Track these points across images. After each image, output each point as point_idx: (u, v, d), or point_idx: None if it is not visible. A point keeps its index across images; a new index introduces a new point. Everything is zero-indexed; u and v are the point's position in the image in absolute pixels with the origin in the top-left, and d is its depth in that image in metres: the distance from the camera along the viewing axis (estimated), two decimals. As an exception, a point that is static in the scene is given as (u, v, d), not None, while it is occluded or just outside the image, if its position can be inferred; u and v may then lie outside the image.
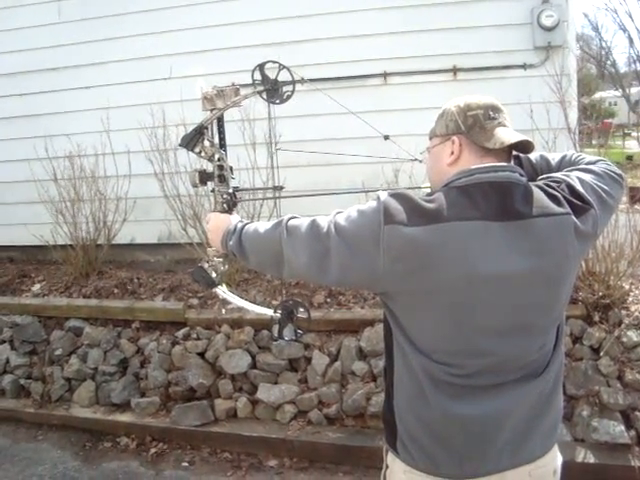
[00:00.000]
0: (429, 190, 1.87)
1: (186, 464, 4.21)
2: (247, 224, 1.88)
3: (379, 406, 4.08)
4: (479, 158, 1.65)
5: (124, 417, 4.65)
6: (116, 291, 5.39)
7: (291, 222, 1.73)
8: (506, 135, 1.64)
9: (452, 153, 1.67)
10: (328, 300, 4.78)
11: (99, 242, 5.77)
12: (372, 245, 1.53)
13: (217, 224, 2.00)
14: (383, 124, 5.56)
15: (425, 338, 1.60)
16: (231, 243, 1.87)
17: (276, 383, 4.44)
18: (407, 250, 1.51)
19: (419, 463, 1.67)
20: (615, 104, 28.20)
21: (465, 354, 1.58)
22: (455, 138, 1.67)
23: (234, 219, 1.97)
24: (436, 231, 1.50)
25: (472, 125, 1.66)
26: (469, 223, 1.52)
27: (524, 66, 5.47)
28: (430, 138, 1.81)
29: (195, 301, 5.03)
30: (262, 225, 1.81)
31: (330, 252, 1.59)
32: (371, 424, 4.16)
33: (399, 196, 1.58)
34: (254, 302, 4.86)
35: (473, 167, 1.63)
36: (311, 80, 5.98)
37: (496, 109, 1.71)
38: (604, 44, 25.53)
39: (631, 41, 21.66)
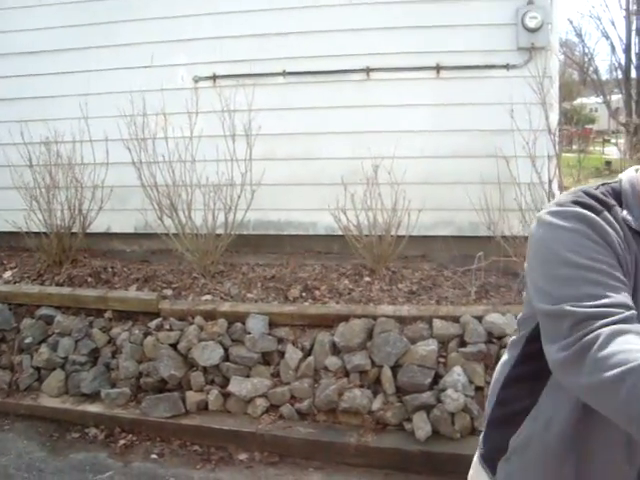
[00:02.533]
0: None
1: (155, 456, 4.16)
2: None
3: (351, 402, 4.07)
4: None
5: (93, 408, 4.57)
6: (90, 280, 5.31)
7: None
8: None
9: None
10: (303, 294, 4.75)
11: (74, 230, 5.67)
12: None
13: None
14: (365, 120, 5.67)
15: None
16: None
17: (248, 376, 4.39)
18: None
19: None
20: (596, 110, 28.49)
21: None
22: None
23: None
24: None
25: None
26: None
27: (507, 66, 5.47)
28: None
29: (169, 292, 4.98)
30: None
31: None
32: (342, 420, 4.14)
33: None
34: (228, 294, 4.85)
35: None
36: (294, 73, 6.04)
37: None
38: (587, 50, 25.73)
39: (613, 49, 21.89)
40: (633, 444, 1.22)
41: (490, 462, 1.49)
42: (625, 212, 1.23)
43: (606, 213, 1.22)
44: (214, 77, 5.92)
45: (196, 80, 5.95)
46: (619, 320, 1.06)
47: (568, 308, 1.10)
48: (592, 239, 1.17)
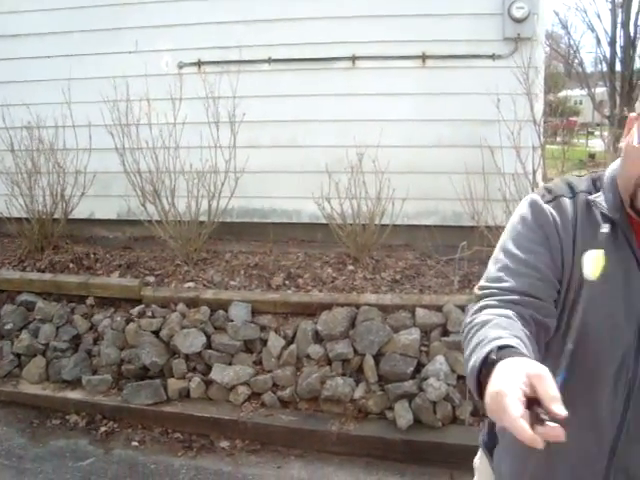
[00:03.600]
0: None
1: (136, 443, 4.15)
2: None
3: (333, 390, 4.07)
4: None
5: (74, 394, 4.55)
6: (71, 266, 5.27)
7: None
8: None
9: None
10: (286, 282, 4.74)
11: (56, 216, 5.63)
12: None
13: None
14: (350, 108, 5.65)
15: None
16: None
17: (230, 364, 4.39)
18: None
19: None
20: (580, 103, 28.63)
21: None
22: None
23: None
24: None
25: None
26: None
27: (493, 56, 5.47)
28: None
29: (152, 279, 4.95)
30: None
31: None
32: (324, 408, 4.14)
33: None
34: (211, 282, 4.83)
35: None
36: (279, 60, 6.00)
37: None
38: (572, 43, 25.81)
39: (598, 41, 21.96)
40: (601, 427, 1.26)
41: (489, 448, 1.52)
42: (600, 197, 1.27)
43: (564, 199, 1.30)
44: (199, 63, 5.87)
45: (180, 66, 5.90)
46: (501, 301, 1.22)
47: (479, 285, 1.31)
48: (528, 225, 1.29)
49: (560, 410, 0.91)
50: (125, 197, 5.50)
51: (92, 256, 5.43)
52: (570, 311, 1.27)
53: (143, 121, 5.16)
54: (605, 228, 1.20)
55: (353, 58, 5.67)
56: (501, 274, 1.27)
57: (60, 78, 5.66)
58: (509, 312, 1.18)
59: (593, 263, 1.12)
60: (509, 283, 1.25)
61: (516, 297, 1.22)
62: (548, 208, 1.29)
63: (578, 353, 1.10)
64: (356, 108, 5.59)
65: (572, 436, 1.01)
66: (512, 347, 1.06)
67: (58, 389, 4.62)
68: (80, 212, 5.77)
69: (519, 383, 0.93)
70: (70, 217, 5.70)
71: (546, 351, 1.24)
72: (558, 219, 1.28)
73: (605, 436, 1.29)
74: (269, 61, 5.80)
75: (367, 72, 5.68)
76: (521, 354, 1.03)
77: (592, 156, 13.87)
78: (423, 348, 4.15)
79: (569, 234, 1.27)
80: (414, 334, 4.14)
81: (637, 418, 1.26)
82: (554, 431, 0.91)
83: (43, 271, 5.24)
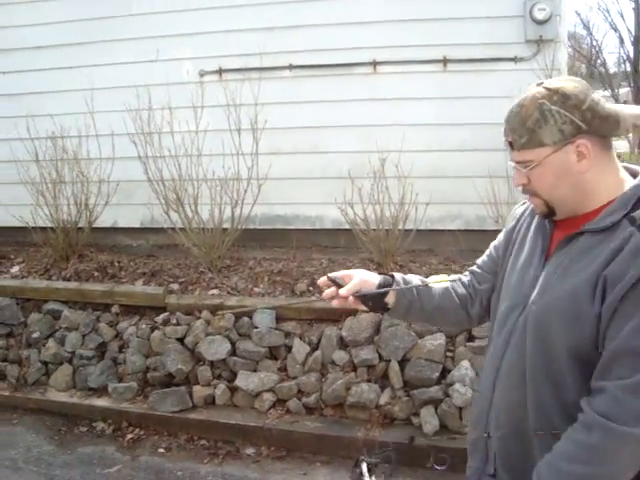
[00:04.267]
0: (447, 282, 1.78)
1: (162, 450, 4.17)
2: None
3: (358, 396, 4.06)
4: (606, 150, 1.45)
5: (101, 402, 4.60)
6: (96, 274, 5.31)
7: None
8: (625, 109, 1.46)
9: (584, 159, 1.41)
10: (310, 288, 4.73)
11: (80, 225, 5.67)
12: None
13: None
14: (372, 113, 5.63)
15: None
16: None
17: (255, 371, 4.39)
18: None
19: None
20: (604, 104, 28.28)
21: None
22: (581, 142, 1.40)
23: None
24: None
25: (591, 119, 1.39)
26: None
27: (515, 59, 5.43)
28: (524, 148, 1.45)
29: (176, 286, 4.97)
30: (578, 465, 1.32)
31: None
32: (350, 414, 4.14)
33: None
34: (235, 288, 4.84)
35: None
36: (300, 67, 6.00)
37: (587, 85, 1.45)
38: (595, 43, 25.57)
39: (622, 41, 21.66)
40: (493, 362, 1.59)
41: None
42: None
43: (525, 202, 1.73)
44: (220, 71, 5.89)
45: (202, 74, 5.93)
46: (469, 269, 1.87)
47: None
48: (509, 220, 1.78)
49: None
50: (148, 205, 5.53)
51: (116, 264, 5.47)
52: (500, 279, 1.70)
53: (165, 129, 5.19)
54: (533, 224, 1.64)
55: (374, 63, 5.66)
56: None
57: (83, 88, 5.72)
58: (461, 275, 1.86)
59: (438, 279, 1.76)
60: (479, 259, 1.85)
61: (474, 267, 1.85)
62: (518, 207, 1.77)
63: (493, 304, 1.70)
64: (377, 113, 5.58)
65: (486, 362, 1.64)
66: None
67: (85, 397, 4.67)
68: (104, 221, 5.82)
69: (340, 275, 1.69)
70: (94, 226, 5.74)
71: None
72: (519, 215, 1.72)
73: (493, 372, 1.58)
74: (290, 67, 5.80)
75: (388, 77, 5.67)
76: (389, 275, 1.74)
77: (618, 157, 13.71)
78: (448, 354, 4.13)
79: (514, 225, 1.72)
80: (439, 339, 4.11)
81: (507, 367, 1.53)
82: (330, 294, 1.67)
83: (68, 280, 5.28)
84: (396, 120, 5.46)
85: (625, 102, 24.41)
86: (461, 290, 1.80)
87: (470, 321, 1.83)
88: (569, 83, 1.42)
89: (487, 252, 1.83)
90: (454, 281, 1.81)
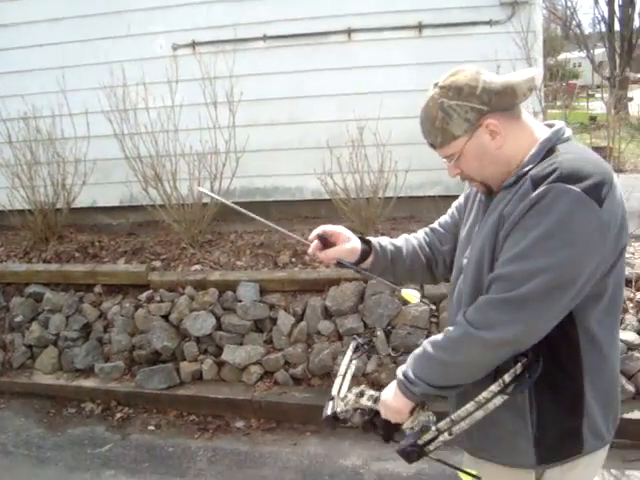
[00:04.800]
0: (417, 298, 1.95)
1: (152, 428, 4.18)
2: (407, 370, 1.58)
3: (345, 365, 4.07)
4: (515, 120, 1.55)
5: (88, 383, 4.59)
6: (77, 255, 5.27)
7: (480, 318, 1.47)
8: (517, 76, 1.53)
9: (496, 135, 1.53)
10: (293, 260, 4.73)
11: (58, 206, 5.61)
12: (600, 237, 1.42)
13: (394, 403, 1.62)
14: (348, 82, 5.59)
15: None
16: (418, 391, 1.55)
17: (241, 344, 4.40)
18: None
19: (592, 444, 1.60)
20: (579, 65, 28.35)
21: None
22: (488, 122, 1.51)
23: (394, 391, 1.61)
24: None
25: (489, 99, 1.50)
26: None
27: (490, 22, 5.40)
28: (443, 145, 1.58)
29: (158, 263, 4.94)
30: (432, 354, 1.54)
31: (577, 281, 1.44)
32: (338, 383, 4.15)
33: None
34: (218, 263, 4.83)
35: (556, 127, 1.57)
36: (274, 37, 5.93)
37: (477, 69, 1.55)
38: (570, 4, 25.53)
39: (596, 1, 21.70)
40: (458, 297, 1.69)
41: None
42: None
43: None
44: (193, 44, 5.81)
45: (175, 48, 5.84)
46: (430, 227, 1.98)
47: None
48: None
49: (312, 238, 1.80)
50: (127, 183, 5.48)
51: (97, 244, 5.43)
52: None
53: (141, 105, 5.12)
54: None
55: (349, 31, 5.61)
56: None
57: (54, 67, 5.62)
58: (423, 232, 1.98)
59: (410, 294, 1.91)
60: (441, 217, 1.96)
61: (435, 225, 1.95)
62: None
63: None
64: (354, 82, 5.54)
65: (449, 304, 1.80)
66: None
67: (72, 378, 4.65)
68: (82, 201, 5.76)
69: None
70: (72, 206, 5.69)
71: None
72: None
73: (454, 304, 1.72)
74: (264, 38, 5.74)
75: (363, 45, 5.62)
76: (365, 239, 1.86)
77: (593, 119, 13.75)
78: (433, 319, 4.15)
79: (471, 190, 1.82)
80: (423, 306, 4.13)
81: (451, 302, 1.75)
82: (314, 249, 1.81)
83: (49, 262, 5.24)
84: (373, 88, 5.43)
85: (601, 62, 24.43)
86: (426, 251, 1.92)
87: (435, 281, 2.01)
88: (459, 75, 1.52)
89: (449, 212, 1.94)
90: (421, 246, 1.93)
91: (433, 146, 1.62)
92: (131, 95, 5.15)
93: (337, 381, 1.84)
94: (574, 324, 1.50)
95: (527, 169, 1.49)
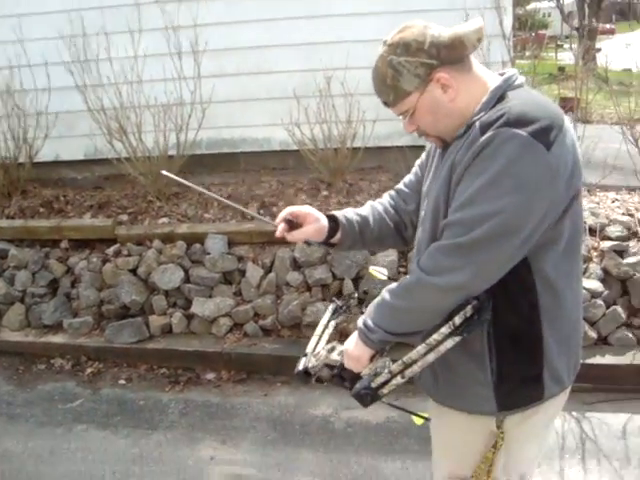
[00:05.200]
0: (384, 275, 2.02)
1: (123, 382, 4.18)
2: (366, 319, 1.61)
3: (314, 316, 4.10)
4: (466, 71, 1.54)
5: (57, 338, 4.56)
6: (42, 210, 5.19)
7: (432, 264, 1.49)
8: (465, 28, 1.51)
9: (448, 88, 1.52)
10: (261, 211, 4.70)
11: (20, 160, 5.48)
12: (549, 181, 1.41)
13: (354, 351, 1.64)
14: (315, 31, 5.49)
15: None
16: (376, 337, 1.58)
17: (210, 297, 4.40)
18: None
19: (553, 390, 1.63)
20: (549, 15, 28.23)
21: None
22: (439, 75, 1.51)
23: (355, 340, 1.64)
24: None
25: (438, 53, 1.49)
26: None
27: (458, -31, 5.30)
28: (396, 103, 1.58)
29: (125, 217, 4.89)
30: (388, 301, 1.57)
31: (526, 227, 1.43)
32: (307, 334, 4.17)
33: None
34: (185, 216, 4.79)
35: (507, 74, 1.56)
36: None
37: (424, 24, 1.53)
38: (539, -47, 25.28)
39: (566, -51, 21.49)
40: (418, 248, 1.72)
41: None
42: None
43: None
44: (156, -8, 5.65)
45: (137, -5, 5.67)
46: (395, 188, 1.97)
47: None
48: None
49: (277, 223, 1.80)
50: (91, 136, 5.35)
51: (62, 199, 5.34)
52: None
53: (102, 56, 5.00)
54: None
55: (315, -22, 5.49)
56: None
57: (9, 14, 5.42)
58: (388, 195, 1.97)
59: (377, 272, 2.01)
60: (405, 177, 1.95)
61: (400, 185, 1.94)
62: None
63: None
64: (321, 31, 5.44)
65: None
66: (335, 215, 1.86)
67: (40, 334, 4.61)
68: (45, 155, 5.64)
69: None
70: (35, 160, 5.56)
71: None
72: None
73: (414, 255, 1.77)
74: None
75: (331, -8, 5.51)
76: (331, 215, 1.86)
77: (562, 69, 13.72)
78: (401, 269, 4.18)
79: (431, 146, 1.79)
80: (391, 255, 4.15)
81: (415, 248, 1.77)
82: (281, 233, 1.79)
83: (13, 217, 5.15)
84: (340, 37, 5.34)
85: (570, 12, 24.37)
86: (393, 214, 1.92)
87: (405, 243, 1.97)
88: (406, 31, 1.52)
89: (413, 170, 1.93)
90: (387, 211, 1.93)
91: (387, 104, 1.61)
92: (92, 45, 5.01)
93: (313, 340, 1.85)
94: (530, 269, 1.51)
95: (477, 117, 1.49)
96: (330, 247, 1.93)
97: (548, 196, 1.40)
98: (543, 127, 1.38)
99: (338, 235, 1.86)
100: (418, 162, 1.90)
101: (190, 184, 1.89)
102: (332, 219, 1.85)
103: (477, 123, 1.46)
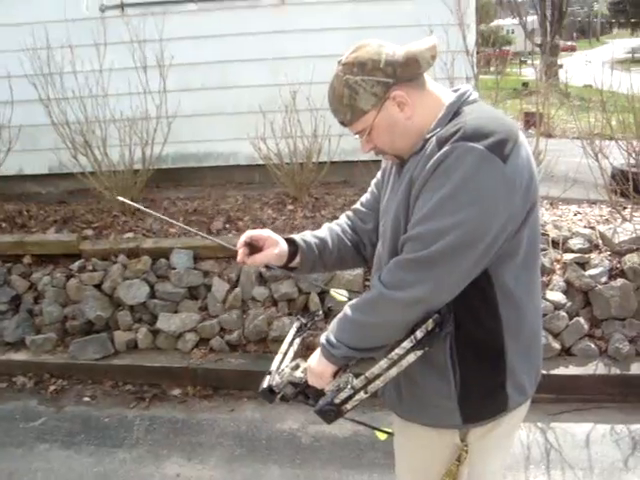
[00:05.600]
0: (344, 297, 2.03)
1: (88, 399, 4.12)
2: (329, 334, 1.59)
3: (281, 330, 4.09)
4: (421, 89, 1.56)
5: (19, 356, 4.46)
6: (4, 225, 5.12)
7: (394, 279, 1.49)
8: (419, 46, 1.54)
9: (404, 106, 1.53)
10: (227, 226, 4.70)
11: (-18, 174, 5.42)
12: (507, 193, 1.43)
13: (317, 368, 1.63)
14: (281, 46, 5.52)
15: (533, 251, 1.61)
16: (339, 353, 1.57)
17: (176, 312, 4.37)
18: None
19: (517, 399, 1.64)
20: (512, 32, 28.75)
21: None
22: (395, 94, 1.52)
23: (318, 357, 1.62)
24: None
25: (393, 71, 1.51)
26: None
27: (423, -13, 5.39)
28: (353, 122, 1.59)
29: (90, 232, 4.84)
30: (350, 316, 1.56)
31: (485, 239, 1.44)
32: (273, 348, 4.16)
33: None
34: (151, 230, 4.76)
35: (461, 90, 1.59)
36: (206, 0, 5.77)
37: (378, 43, 1.56)
38: (503, -29, 25.73)
39: (528, -32, 21.89)
40: (377, 263, 1.73)
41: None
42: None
43: None
44: (122, 5, 5.65)
45: (102, 9, 5.66)
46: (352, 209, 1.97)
47: None
48: None
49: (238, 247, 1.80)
50: (55, 150, 5.31)
51: (25, 213, 5.28)
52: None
53: (67, 69, 4.97)
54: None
55: (282, -6, 5.53)
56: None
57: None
58: (345, 217, 1.97)
59: (338, 294, 2.04)
60: (362, 197, 1.95)
61: (357, 205, 1.94)
62: None
63: None
64: (287, 46, 5.49)
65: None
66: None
67: (1, 352, 4.52)
68: (8, 168, 5.55)
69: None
70: (-2, 174, 5.49)
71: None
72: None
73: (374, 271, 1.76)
74: (195, 1, 5.62)
75: (296, 8, 5.58)
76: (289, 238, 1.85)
77: (525, 85, 13.99)
78: (367, 283, 4.19)
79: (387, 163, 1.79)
80: (357, 270, 4.16)
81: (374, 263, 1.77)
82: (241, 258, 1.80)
83: (-26, 233, 5.06)
84: (306, 52, 5.39)
85: (533, 30, 24.83)
86: (351, 234, 1.92)
87: (365, 262, 1.96)
88: (361, 50, 1.53)
89: (369, 189, 1.93)
90: (345, 232, 1.93)
91: (343, 123, 1.61)
92: (56, 58, 4.98)
93: (277, 357, 1.84)
94: (490, 281, 1.52)
95: (434, 133, 1.50)
96: (290, 271, 1.92)
97: (506, 208, 1.41)
98: (499, 140, 1.40)
99: (297, 259, 1.85)
100: (374, 181, 1.91)
101: (148, 210, 1.88)
102: (291, 243, 1.85)
103: (434, 138, 1.47)
